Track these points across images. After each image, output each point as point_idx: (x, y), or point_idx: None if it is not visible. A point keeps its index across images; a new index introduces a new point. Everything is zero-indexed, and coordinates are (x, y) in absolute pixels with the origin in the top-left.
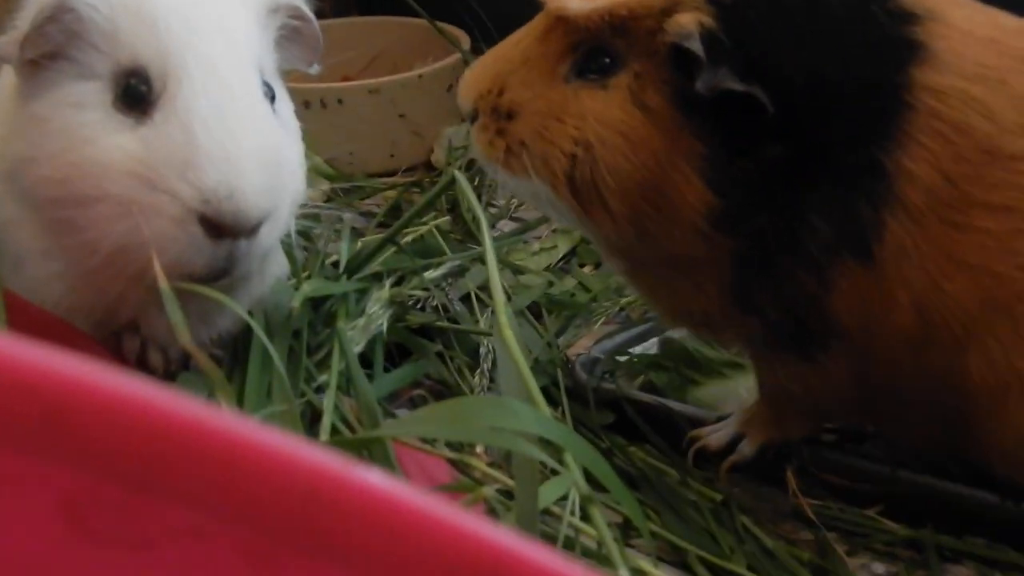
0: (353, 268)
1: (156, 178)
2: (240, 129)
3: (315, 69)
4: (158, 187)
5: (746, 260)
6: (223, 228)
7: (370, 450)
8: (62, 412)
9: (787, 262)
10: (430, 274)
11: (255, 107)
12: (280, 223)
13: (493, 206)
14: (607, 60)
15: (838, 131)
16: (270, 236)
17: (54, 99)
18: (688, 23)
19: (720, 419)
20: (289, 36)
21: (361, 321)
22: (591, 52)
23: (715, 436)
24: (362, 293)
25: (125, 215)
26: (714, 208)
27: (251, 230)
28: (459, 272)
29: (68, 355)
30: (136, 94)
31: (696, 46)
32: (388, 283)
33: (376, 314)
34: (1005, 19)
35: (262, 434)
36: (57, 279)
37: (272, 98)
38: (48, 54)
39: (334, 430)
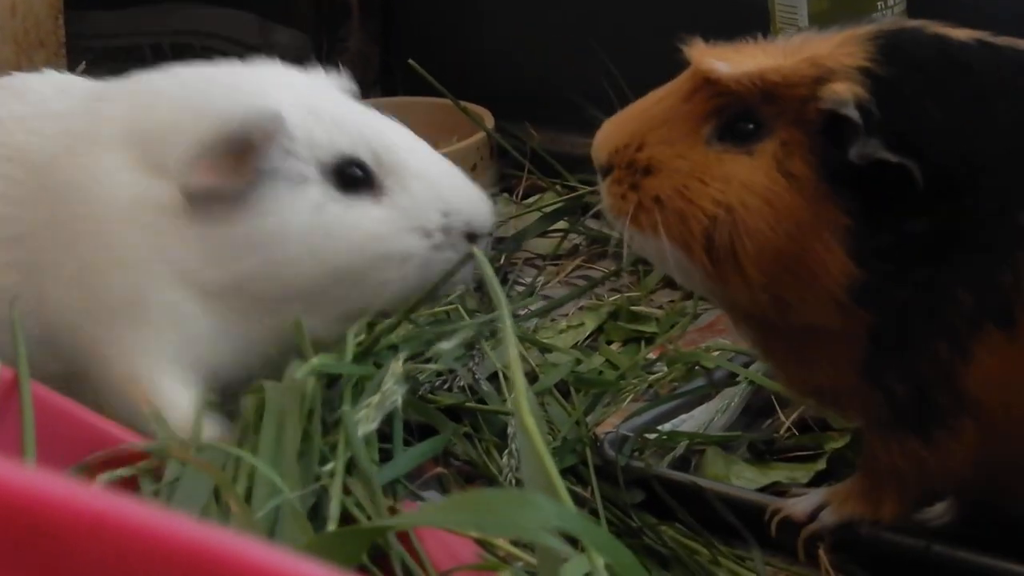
0: (369, 344)
1: (426, 224)
2: (450, 168)
3: None
4: (431, 231)
5: (882, 334)
6: (477, 234)
7: (386, 538)
8: (46, 531)
9: (925, 334)
10: (444, 345)
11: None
12: None
13: (520, 284)
14: (751, 126)
15: (985, 202)
16: None
17: (282, 209)
18: (843, 91)
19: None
20: None
21: (375, 398)
22: (736, 116)
23: (799, 505)
24: (379, 368)
25: (404, 264)
26: (855, 280)
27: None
28: (477, 344)
29: (53, 475)
30: (354, 179)
31: (852, 113)
32: (402, 358)
33: (390, 390)
34: None
35: (254, 552)
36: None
37: None
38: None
39: (350, 517)
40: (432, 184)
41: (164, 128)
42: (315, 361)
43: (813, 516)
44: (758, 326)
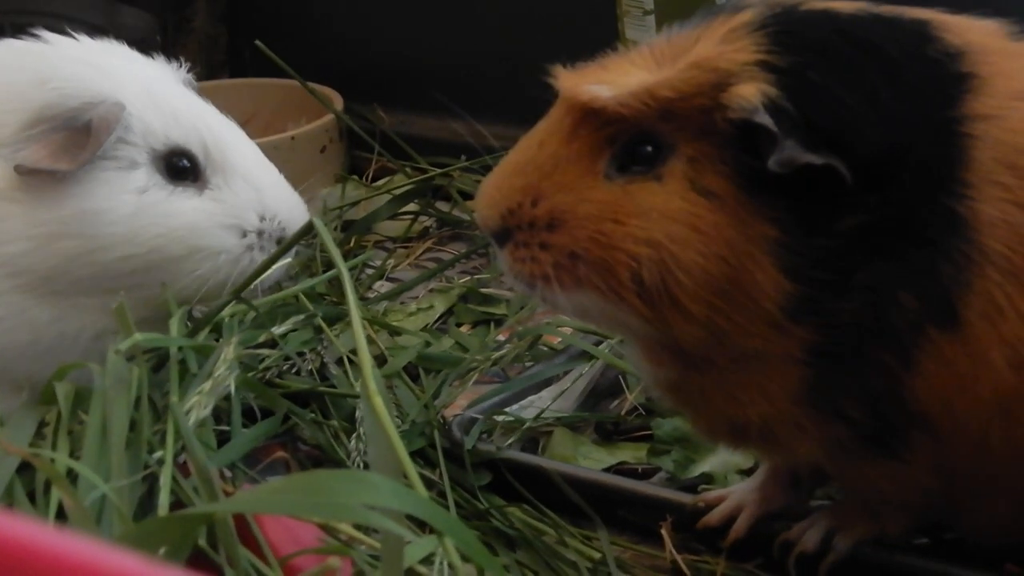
0: (197, 327)
1: (243, 224)
2: (274, 174)
3: None
4: (247, 230)
5: (824, 353)
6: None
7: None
8: None
9: (870, 348)
10: (277, 329)
11: (262, 156)
12: None
13: (370, 267)
14: (650, 148)
15: (911, 187)
16: None
17: (109, 192)
18: (751, 95)
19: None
20: None
21: (207, 384)
22: (631, 142)
23: (808, 538)
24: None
25: (216, 256)
26: (790, 296)
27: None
28: (316, 330)
29: None
30: (181, 169)
31: (765, 119)
32: (234, 342)
33: (222, 376)
34: None
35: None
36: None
37: None
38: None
39: (182, 503)
40: (254, 185)
41: (2, 105)
42: (138, 336)
43: (826, 543)
44: (685, 363)
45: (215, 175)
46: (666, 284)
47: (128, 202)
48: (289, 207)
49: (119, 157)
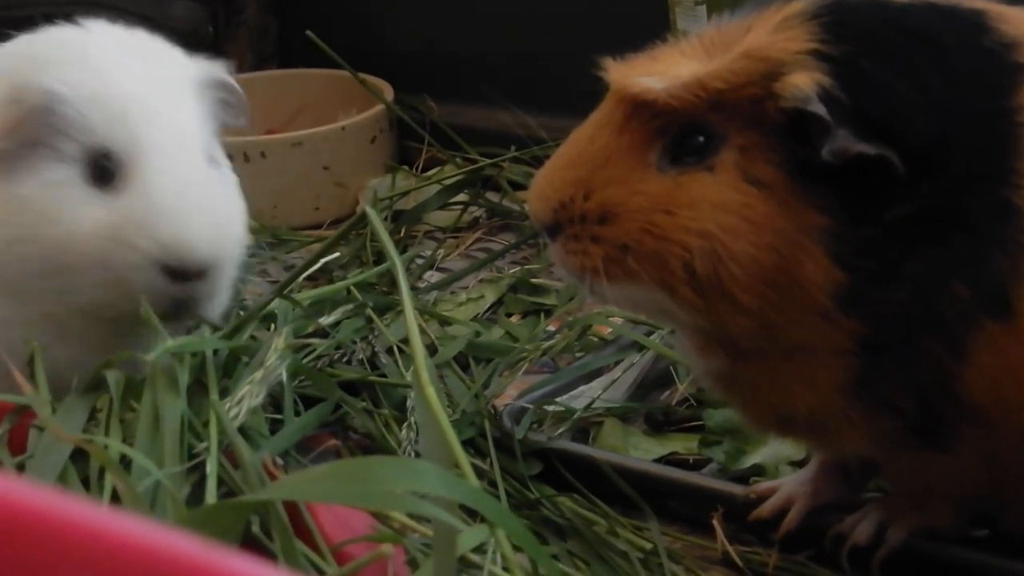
0: (244, 323)
1: (124, 236)
2: (188, 193)
3: (241, 122)
4: (126, 243)
5: (874, 344)
6: (178, 272)
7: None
8: None
9: (921, 339)
10: (326, 319)
11: (200, 175)
12: (226, 269)
13: (421, 257)
14: (701, 139)
15: (964, 177)
16: (219, 279)
17: (36, 181)
18: (805, 84)
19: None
20: (221, 103)
21: (259, 373)
22: (682, 133)
23: (860, 530)
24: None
25: (101, 272)
26: (840, 286)
27: (199, 273)
28: (367, 319)
29: None
30: (104, 171)
31: (819, 109)
32: (284, 333)
33: (273, 365)
34: None
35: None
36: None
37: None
38: (27, 141)
39: (231, 492)
40: (150, 203)
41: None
42: (171, 343)
43: (879, 536)
44: (735, 354)
45: (129, 183)
46: (718, 274)
47: (44, 195)
48: (180, 234)
49: (53, 147)
